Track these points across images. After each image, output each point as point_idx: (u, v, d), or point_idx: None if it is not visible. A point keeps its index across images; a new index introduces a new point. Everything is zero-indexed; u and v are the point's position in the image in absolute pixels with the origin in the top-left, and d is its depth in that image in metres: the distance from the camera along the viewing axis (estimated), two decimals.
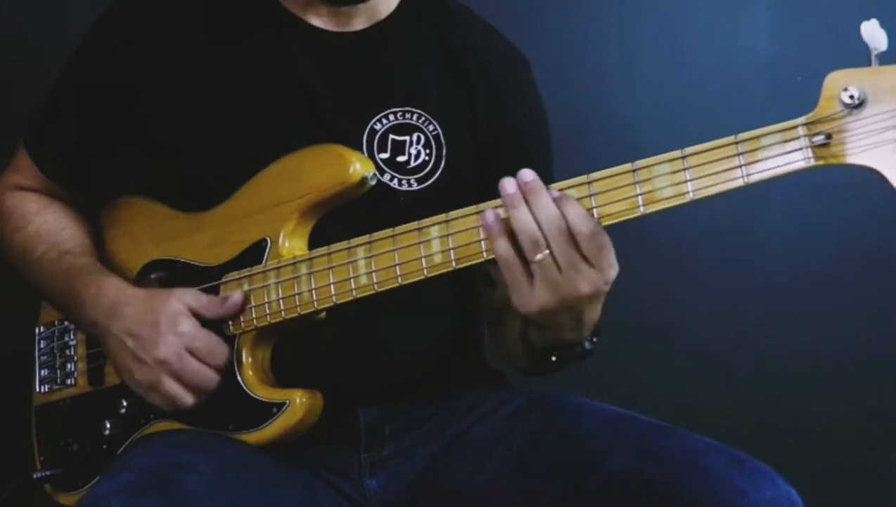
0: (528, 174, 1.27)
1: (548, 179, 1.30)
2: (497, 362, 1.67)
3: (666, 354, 2.35)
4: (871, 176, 1.14)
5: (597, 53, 2.31)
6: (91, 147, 1.62)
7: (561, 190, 1.27)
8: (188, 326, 1.42)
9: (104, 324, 1.48)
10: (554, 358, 1.42)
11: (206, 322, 1.44)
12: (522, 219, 1.25)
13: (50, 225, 1.63)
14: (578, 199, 1.26)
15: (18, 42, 2.14)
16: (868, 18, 1.14)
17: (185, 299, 1.44)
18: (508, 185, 1.27)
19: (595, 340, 1.40)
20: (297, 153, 1.46)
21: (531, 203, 1.25)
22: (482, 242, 1.32)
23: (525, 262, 1.26)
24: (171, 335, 1.41)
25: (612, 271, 1.26)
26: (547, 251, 1.24)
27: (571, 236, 1.24)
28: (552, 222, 1.24)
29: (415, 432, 1.57)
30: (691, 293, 2.36)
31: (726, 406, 2.32)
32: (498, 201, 1.29)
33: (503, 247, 1.27)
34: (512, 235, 1.26)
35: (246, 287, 1.45)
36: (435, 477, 1.54)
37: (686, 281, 2.35)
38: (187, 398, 1.42)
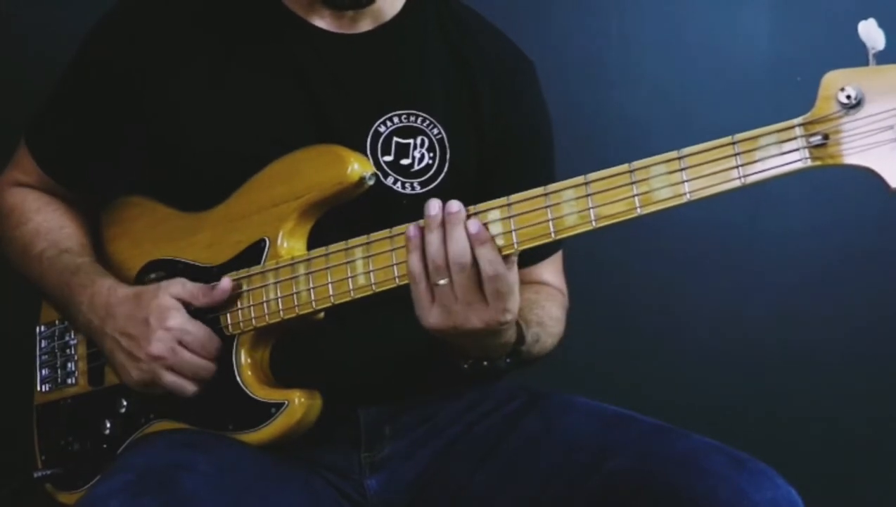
0: (453, 205, 1.31)
1: (548, 179, 1.30)
2: None
3: (666, 354, 2.34)
4: (870, 176, 1.14)
5: (597, 53, 2.30)
6: (92, 146, 1.63)
7: (557, 191, 1.27)
8: (178, 319, 1.43)
9: (99, 326, 1.49)
10: (465, 366, 1.45)
11: (200, 315, 1.45)
12: (432, 244, 1.30)
13: (49, 223, 1.64)
14: (576, 199, 1.26)
15: (19, 42, 2.14)
16: (867, 18, 1.14)
17: (172, 290, 1.45)
18: (432, 207, 1.31)
19: (509, 361, 1.44)
20: (295, 153, 1.46)
21: (446, 233, 1.29)
22: None
23: (430, 282, 1.31)
24: (161, 331, 1.42)
25: (508, 315, 1.31)
26: (446, 280, 1.29)
27: (476, 275, 1.29)
28: (459, 257, 1.28)
29: (415, 432, 1.57)
30: (691, 294, 2.35)
31: (726, 406, 2.31)
32: (495, 202, 1.30)
33: (414, 261, 1.31)
34: (425, 254, 1.31)
35: (244, 287, 1.45)
36: (435, 477, 1.54)
37: (686, 281, 2.34)
38: (188, 387, 1.44)
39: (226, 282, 1.45)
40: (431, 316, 1.32)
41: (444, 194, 1.51)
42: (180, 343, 1.42)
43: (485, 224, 1.30)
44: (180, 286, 1.45)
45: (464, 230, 1.29)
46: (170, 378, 1.43)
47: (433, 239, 1.30)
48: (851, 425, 2.38)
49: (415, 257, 1.32)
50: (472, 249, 1.29)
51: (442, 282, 1.30)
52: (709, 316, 2.36)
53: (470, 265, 1.29)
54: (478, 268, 1.29)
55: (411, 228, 1.32)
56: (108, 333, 1.47)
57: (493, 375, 1.49)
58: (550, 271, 1.68)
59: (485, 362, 1.44)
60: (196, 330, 1.43)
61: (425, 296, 1.32)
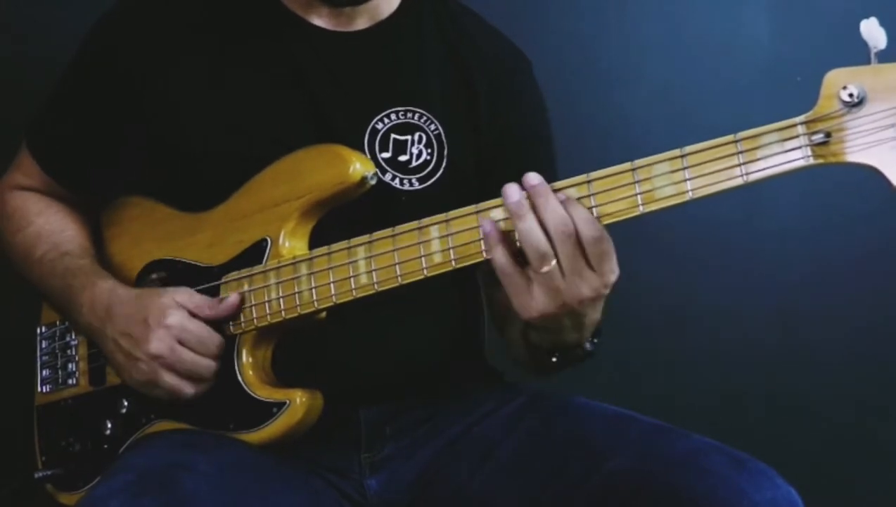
0: (533, 178, 1.26)
1: (552, 177, 1.29)
2: (497, 362, 1.67)
3: (666, 354, 2.34)
4: (871, 174, 1.14)
5: (597, 53, 2.31)
6: (92, 146, 1.63)
7: (560, 190, 1.27)
8: (177, 318, 1.42)
9: (99, 328, 1.49)
10: (554, 359, 1.42)
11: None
12: (530, 231, 1.24)
13: (51, 226, 1.64)
14: (578, 198, 1.26)
15: (19, 42, 2.14)
16: (868, 17, 1.14)
17: (176, 297, 1.44)
18: (512, 193, 1.26)
19: (595, 341, 1.40)
20: (297, 153, 1.46)
21: (539, 208, 1.24)
22: (482, 242, 1.31)
23: (523, 269, 1.26)
24: (160, 330, 1.41)
25: (613, 275, 1.26)
26: (554, 263, 1.23)
27: (578, 242, 1.23)
28: (561, 227, 1.23)
29: (415, 432, 1.57)
30: (691, 293, 2.35)
31: (726, 406, 2.32)
32: (498, 201, 1.29)
33: (501, 257, 1.26)
34: (509, 244, 1.26)
35: (246, 287, 1.45)
36: (435, 477, 1.54)
37: (686, 281, 2.35)
38: (187, 389, 1.43)
39: (234, 297, 1.44)
40: (537, 303, 1.25)
41: (443, 191, 1.52)
42: (179, 342, 1.42)
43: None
44: (187, 296, 1.45)
45: (556, 199, 1.24)
46: (168, 379, 1.42)
47: (528, 226, 1.24)
48: (851, 424, 2.38)
49: (499, 253, 1.26)
50: (569, 214, 1.23)
51: (546, 269, 1.23)
52: (708, 316, 2.36)
53: (574, 232, 1.23)
54: (578, 236, 1.23)
55: (486, 225, 1.27)
56: (109, 334, 1.47)
57: (579, 362, 1.43)
58: None
59: (576, 348, 1.39)
60: (195, 328, 1.43)
61: (521, 285, 1.26)
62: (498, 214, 1.30)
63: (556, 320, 1.29)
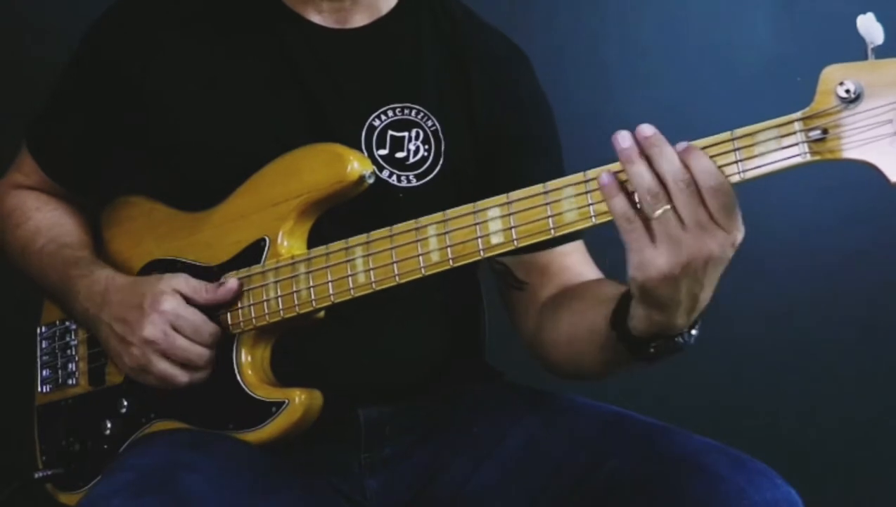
0: (647, 129, 1.19)
1: (558, 172, 1.29)
2: (497, 362, 1.67)
3: None
4: (869, 170, 1.14)
5: (597, 54, 2.31)
6: (92, 146, 1.63)
7: (558, 189, 1.27)
8: (171, 304, 1.42)
9: (95, 313, 1.49)
10: (652, 349, 1.30)
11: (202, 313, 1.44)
12: (640, 175, 1.17)
13: (50, 221, 1.65)
14: (575, 196, 1.26)
15: (20, 42, 2.14)
16: (865, 13, 1.14)
17: (173, 283, 1.44)
18: (623, 139, 1.20)
19: (695, 332, 1.30)
20: (294, 152, 1.46)
21: (653, 157, 1.18)
22: (479, 241, 1.31)
23: (646, 220, 1.18)
24: (154, 314, 1.41)
25: (739, 233, 1.19)
26: (668, 206, 1.17)
27: (697, 191, 1.16)
28: (677, 175, 1.17)
29: (415, 432, 1.56)
30: None
31: (726, 406, 2.31)
32: (498, 198, 1.29)
33: (620, 204, 1.19)
34: (627, 194, 1.20)
35: (245, 287, 1.45)
36: (435, 477, 1.54)
37: None
38: (180, 376, 1.43)
39: (233, 282, 1.44)
40: (660, 257, 1.17)
41: (441, 187, 1.52)
42: (173, 328, 1.41)
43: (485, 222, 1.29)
44: (183, 281, 1.45)
45: (671, 148, 1.18)
46: (161, 365, 1.42)
47: (638, 170, 1.17)
48: (851, 424, 2.38)
49: (619, 201, 1.19)
50: (686, 164, 1.17)
51: (659, 212, 1.16)
52: (708, 316, 2.35)
53: (692, 180, 1.16)
54: (697, 186, 1.16)
55: (604, 176, 1.21)
56: (104, 319, 1.47)
57: (672, 354, 1.32)
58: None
59: (679, 339, 1.29)
60: (190, 315, 1.42)
61: (644, 237, 1.18)
62: (493, 212, 1.29)
63: (675, 286, 1.19)
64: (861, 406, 2.38)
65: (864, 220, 2.30)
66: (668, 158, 1.17)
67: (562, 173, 1.28)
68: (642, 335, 1.29)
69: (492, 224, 1.30)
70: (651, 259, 1.17)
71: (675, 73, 2.31)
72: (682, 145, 1.18)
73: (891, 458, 2.40)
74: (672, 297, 1.21)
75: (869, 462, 2.40)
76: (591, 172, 1.26)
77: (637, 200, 1.19)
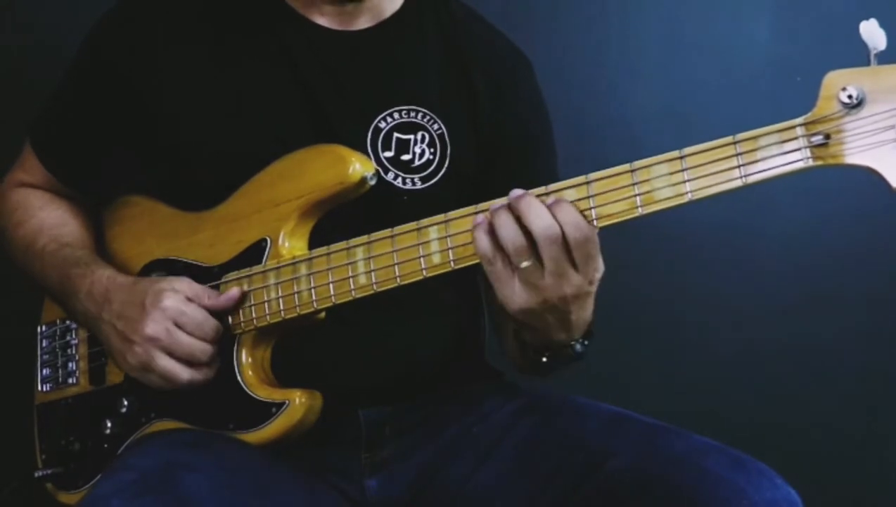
0: (516, 192, 1.27)
1: (553, 177, 1.31)
2: (497, 362, 1.67)
3: (666, 354, 2.35)
4: (871, 176, 1.14)
5: (597, 53, 2.31)
6: (95, 145, 1.63)
7: (559, 190, 1.27)
8: (173, 301, 1.42)
9: (96, 313, 1.49)
10: (545, 359, 1.42)
11: None
12: (503, 226, 1.26)
13: (52, 220, 1.65)
14: (577, 200, 1.26)
15: (21, 42, 2.14)
16: (867, 18, 1.14)
17: (175, 284, 1.44)
18: (499, 201, 1.28)
19: (586, 342, 1.39)
20: (297, 153, 1.46)
21: (523, 215, 1.25)
22: None
23: (505, 262, 1.27)
24: (156, 312, 1.41)
25: (598, 274, 1.28)
26: (531, 261, 1.25)
27: (565, 245, 1.24)
28: (547, 232, 1.24)
29: (415, 432, 1.57)
30: (691, 294, 2.35)
31: (726, 406, 2.31)
32: (498, 201, 1.30)
33: (483, 244, 1.27)
34: (495, 237, 1.27)
35: (246, 287, 1.45)
36: (435, 477, 1.54)
37: (686, 282, 2.35)
38: (183, 373, 1.42)
39: (235, 291, 1.44)
40: (518, 296, 1.27)
41: (445, 190, 1.52)
42: (176, 324, 1.41)
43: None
44: (186, 284, 1.45)
45: (540, 204, 1.25)
46: (164, 362, 1.41)
47: (502, 221, 1.26)
48: (851, 425, 2.38)
49: (482, 239, 1.27)
50: (556, 218, 1.24)
51: (525, 264, 1.25)
52: (708, 316, 2.36)
53: (560, 236, 1.24)
54: (565, 239, 1.24)
55: (479, 215, 1.29)
56: (105, 318, 1.47)
57: (570, 362, 1.42)
58: None
59: (565, 348, 1.38)
60: (192, 312, 1.42)
61: (504, 276, 1.27)
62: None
63: (539, 316, 1.30)
64: (861, 406, 2.38)
65: (865, 220, 2.30)
66: (535, 213, 1.24)
67: (557, 176, 1.29)
68: (535, 347, 1.41)
69: None
70: (510, 295, 1.28)
71: (675, 73, 2.31)
72: (551, 199, 1.25)
73: (891, 458, 2.41)
74: (538, 324, 1.32)
75: (869, 462, 2.40)
76: (594, 175, 1.27)
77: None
